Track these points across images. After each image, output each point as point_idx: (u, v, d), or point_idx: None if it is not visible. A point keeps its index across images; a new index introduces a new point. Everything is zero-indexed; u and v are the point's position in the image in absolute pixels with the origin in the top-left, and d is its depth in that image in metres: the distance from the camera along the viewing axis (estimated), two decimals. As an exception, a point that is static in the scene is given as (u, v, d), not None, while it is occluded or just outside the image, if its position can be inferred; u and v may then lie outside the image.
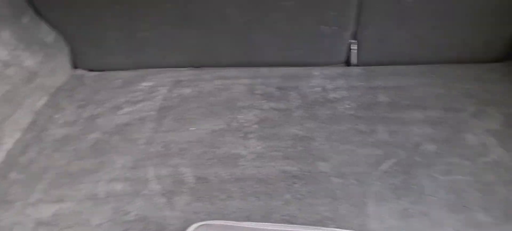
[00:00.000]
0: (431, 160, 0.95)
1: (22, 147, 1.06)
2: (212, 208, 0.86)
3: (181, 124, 1.11)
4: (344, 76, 1.27)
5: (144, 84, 1.28)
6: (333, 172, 0.94)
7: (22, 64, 1.13)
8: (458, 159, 0.95)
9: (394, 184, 0.90)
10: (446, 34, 1.22)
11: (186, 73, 1.32)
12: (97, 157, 1.02)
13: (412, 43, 1.25)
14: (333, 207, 0.85)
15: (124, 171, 0.98)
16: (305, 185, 0.91)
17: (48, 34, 1.25)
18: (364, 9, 1.20)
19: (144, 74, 1.32)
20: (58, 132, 1.11)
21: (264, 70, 1.31)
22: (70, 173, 0.99)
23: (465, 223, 0.80)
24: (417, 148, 0.99)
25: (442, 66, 1.27)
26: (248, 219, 0.82)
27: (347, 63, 1.35)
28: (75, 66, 1.36)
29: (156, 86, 1.27)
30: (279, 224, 0.75)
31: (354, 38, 1.29)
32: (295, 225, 0.75)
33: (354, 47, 1.31)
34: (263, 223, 0.75)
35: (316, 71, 1.30)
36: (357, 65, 1.33)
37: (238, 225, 0.73)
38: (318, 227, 0.74)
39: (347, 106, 1.14)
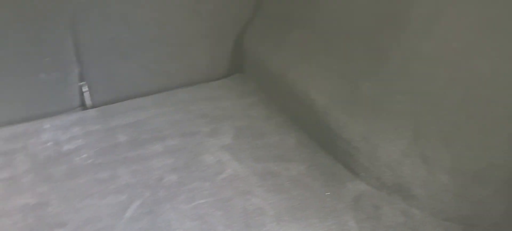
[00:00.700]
0: (175, 191, 0.95)
1: None
2: None
3: None
4: (79, 123, 1.17)
5: None
6: (70, 236, 0.84)
7: None
8: (199, 182, 0.97)
9: (141, 228, 0.86)
10: (171, 60, 1.26)
11: None
12: None
13: (142, 74, 1.25)
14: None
15: None
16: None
17: None
18: (83, 49, 1.13)
19: None
20: None
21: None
22: None
23: None
24: (160, 182, 0.97)
25: (177, 92, 1.29)
26: None
27: (83, 106, 1.25)
28: None
29: None
30: None
31: (83, 80, 1.21)
32: None
33: (85, 89, 1.22)
34: None
35: (47, 123, 1.17)
36: (93, 107, 1.25)
37: None
38: None
39: (84, 156, 1.05)
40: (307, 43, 1.11)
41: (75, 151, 1.07)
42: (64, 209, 0.90)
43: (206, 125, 1.15)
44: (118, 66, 1.20)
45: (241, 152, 1.06)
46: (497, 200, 0.78)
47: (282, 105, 1.19)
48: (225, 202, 0.92)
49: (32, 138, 1.12)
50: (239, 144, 1.08)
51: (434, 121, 0.83)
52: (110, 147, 1.08)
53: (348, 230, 0.86)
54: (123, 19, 1.13)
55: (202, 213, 0.89)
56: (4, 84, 1.11)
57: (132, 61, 1.21)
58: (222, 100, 1.26)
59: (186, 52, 1.27)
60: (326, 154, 1.04)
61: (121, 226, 0.86)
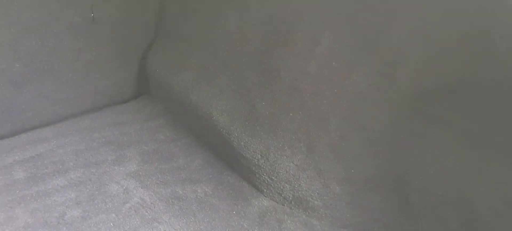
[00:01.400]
0: (78, 227, 0.92)
1: None
2: None
3: None
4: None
5: None
6: None
7: None
8: (105, 215, 0.95)
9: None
10: (71, 87, 1.21)
11: None
12: None
13: (39, 104, 1.19)
14: None
15: None
16: None
17: None
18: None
19: None
20: None
21: None
22: None
23: None
24: (62, 218, 0.94)
25: (80, 119, 1.25)
26: None
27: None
28: None
29: None
30: None
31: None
32: None
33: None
34: None
35: None
36: (-12, 143, 1.17)
37: None
38: None
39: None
40: (207, 64, 1.13)
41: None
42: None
43: (111, 152, 1.13)
44: (12, 98, 1.13)
45: (148, 178, 1.05)
46: (386, 205, 0.85)
47: (188, 126, 1.20)
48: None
49: None
50: (146, 170, 1.08)
51: (324, 135, 0.88)
52: (6, 186, 1.02)
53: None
54: (11, 49, 1.07)
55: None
56: None
57: (28, 91, 1.15)
58: (128, 125, 1.24)
59: (87, 77, 1.23)
60: (231, 173, 1.06)
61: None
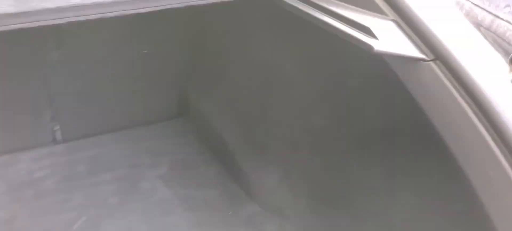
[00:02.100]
0: (115, 210, 1.24)
1: None
2: None
3: None
4: (50, 156, 1.47)
5: None
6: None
7: None
8: (136, 203, 1.27)
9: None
10: (127, 102, 1.55)
11: None
12: None
13: (105, 114, 1.54)
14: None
15: None
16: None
17: None
18: (54, 97, 1.44)
19: None
20: None
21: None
22: None
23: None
24: (105, 202, 1.27)
25: (132, 130, 1.59)
26: None
27: (54, 142, 1.55)
28: None
29: None
30: None
31: (54, 120, 1.51)
32: None
33: (56, 127, 1.52)
34: None
35: (24, 156, 1.47)
36: (63, 142, 1.54)
37: None
38: None
39: (51, 183, 1.35)
40: (230, 96, 1.43)
41: (43, 178, 1.37)
42: (28, 223, 1.20)
43: (148, 158, 1.45)
44: (81, 111, 1.50)
45: (171, 180, 1.36)
46: (340, 217, 1.07)
47: (211, 143, 1.49)
48: (151, 219, 1.21)
49: (10, 167, 1.41)
50: (171, 174, 1.38)
51: (296, 160, 1.13)
52: (71, 176, 1.38)
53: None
54: (83, 75, 1.44)
55: (131, 227, 1.19)
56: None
57: (93, 107, 1.51)
58: (166, 138, 1.56)
59: (139, 98, 1.57)
60: (235, 182, 1.33)
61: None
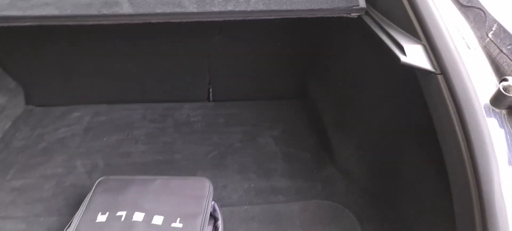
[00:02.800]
0: (236, 151, 1.77)
1: (-4, 152, 1.75)
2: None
3: (98, 137, 1.85)
4: (202, 108, 2.08)
5: (74, 114, 2.01)
6: (183, 158, 1.73)
7: (-2, 102, 1.83)
8: (253, 150, 1.78)
9: (213, 163, 1.71)
10: (260, 84, 2.08)
11: (102, 108, 2.06)
12: (45, 155, 1.73)
13: (243, 86, 2.09)
14: (180, 177, 1.63)
15: (62, 162, 1.70)
16: (166, 164, 1.69)
17: (11, 83, 1.95)
18: (212, 68, 2.03)
19: (74, 109, 2.05)
20: (18, 143, 1.81)
21: (153, 105, 2.09)
22: (28, 166, 1.69)
23: (245, 178, 1.61)
24: (231, 146, 1.81)
25: (261, 101, 2.11)
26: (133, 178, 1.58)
27: (208, 100, 2.16)
28: (27, 103, 2.05)
29: (82, 115, 2.00)
30: (154, 177, 1.48)
31: (210, 84, 2.12)
32: (163, 176, 1.49)
33: (210, 90, 2.13)
34: (145, 176, 1.48)
35: (186, 105, 2.10)
36: (212, 101, 2.15)
37: (127, 178, 1.47)
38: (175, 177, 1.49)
39: (200, 125, 1.95)
40: (331, 87, 1.84)
41: (196, 122, 1.97)
42: (182, 147, 1.80)
43: (268, 122, 1.95)
44: (231, 81, 2.07)
45: (279, 140, 1.83)
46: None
47: (314, 120, 1.93)
48: (259, 162, 1.71)
49: (176, 111, 2.06)
50: (281, 136, 1.86)
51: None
52: (214, 124, 1.95)
53: (315, 187, 1.57)
54: (232, 56, 2.00)
55: (245, 165, 1.70)
56: (168, 80, 2.06)
57: (239, 79, 2.06)
58: (283, 111, 2.04)
59: (270, 79, 2.08)
60: (323, 150, 1.75)
61: (205, 159, 1.72)
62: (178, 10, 1.30)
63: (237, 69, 2.06)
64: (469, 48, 1.09)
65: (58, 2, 1.26)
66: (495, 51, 1.06)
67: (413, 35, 1.14)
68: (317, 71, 2.00)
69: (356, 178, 1.55)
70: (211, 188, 1.41)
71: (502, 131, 0.96)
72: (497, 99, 0.97)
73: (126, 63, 1.98)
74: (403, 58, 1.08)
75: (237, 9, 1.33)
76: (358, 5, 1.35)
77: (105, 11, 1.26)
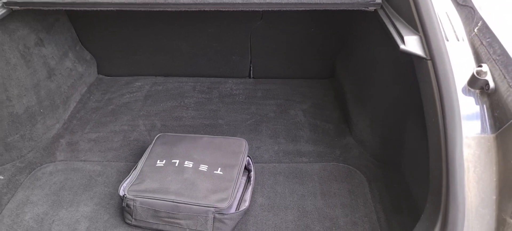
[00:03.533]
0: (270, 120, 2.09)
1: (76, 111, 2.15)
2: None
3: (156, 103, 2.23)
4: (244, 84, 2.41)
5: (136, 83, 2.39)
6: (225, 123, 2.07)
7: (77, 70, 2.23)
8: (282, 119, 2.09)
9: (250, 128, 2.03)
10: (292, 64, 2.38)
11: (159, 79, 2.44)
12: (114, 115, 2.12)
13: (280, 66, 2.40)
14: (223, 136, 1.97)
15: (127, 121, 2.08)
16: (211, 127, 2.03)
17: (87, 55, 2.36)
18: (253, 49, 2.34)
19: (136, 79, 2.43)
20: (92, 104, 2.21)
21: (202, 79, 2.44)
22: (101, 123, 2.08)
23: (275, 142, 1.93)
24: (266, 115, 2.13)
25: (294, 80, 2.42)
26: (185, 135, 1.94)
27: (249, 76, 2.49)
28: (98, 73, 2.46)
29: (143, 85, 2.38)
30: (201, 135, 1.83)
31: (251, 63, 2.44)
32: (209, 135, 1.84)
33: (251, 68, 2.45)
34: (194, 134, 1.84)
35: (229, 80, 2.44)
36: (252, 77, 2.47)
37: (180, 135, 1.83)
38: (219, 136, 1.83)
39: (240, 98, 2.28)
40: (355, 70, 2.11)
41: (237, 95, 2.30)
42: (225, 114, 2.14)
43: (299, 97, 2.26)
44: (269, 61, 2.38)
45: (308, 113, 2.13)
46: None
47: (340, 97, 2.21)
48: (289, 129, 2.02)
49: (221, 85, 2.39)
50: (309, 110, 2.16)
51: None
52: (252, 97, 2.28)
53: (334, 152, 1.87)
54: (271, 39, 2.30)
55: (276, 131, 2.01)
56: (215, 58, 2.40)
57: (276, 60, 2.37)
58: (314, 89, 2.33)
59: (304, 61, 2.37)
60: (344, 123, 2.04)
61: (243, 125, 2.05)
62: (227, 0, 1.62)
63: (275, 51, 2.36)
64: (458, 40, 1.34)
65: (134, -8, 1.61)
66: (477, 43, 1.31)
67: (413, 28, 1.40)
68: (344, 55, 2.28)
69: (368, 146, 1.83)
70: (247, 146, 1.73)
71: (478, 106, 1.23)
72: (472, 82, 1.23)
73: (180, 43, 2.33)
74: (402, 46, 1.35)
75: (274, 1, 1.63)
76: (375, 0, 1.62)
77: (169, 0, 1.60)
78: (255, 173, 1.72)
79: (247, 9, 1.65)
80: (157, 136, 1.80)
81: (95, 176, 1.74)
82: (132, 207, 1.50)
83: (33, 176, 1.73)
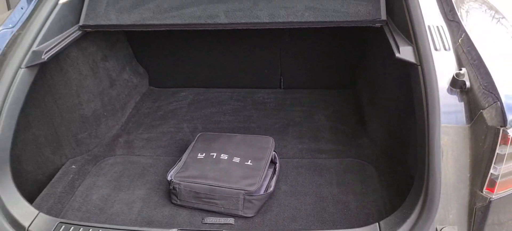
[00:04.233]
0: (296, 124, 2.39)
1: (131, 115, 2.55)
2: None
3: (198, 110, 2.59)
4: (275, 93, 2.74)
5: (182, 93, 2.78)
6: (257, 126, 2.39)
7: (133, 82, 2.65)
8: (307, 123, 2.39)
9: (278, 130, 2.34)
10: (320, 73, 2.69)
11: (201, 90, 2.81)
12: (163, 120, 2.50)
13: (307, 77, 2.72)
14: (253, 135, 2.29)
15: (174, 124, 2.45)
16: (244, 130, 2.37)
17: (140, 69, 2.78)
18: (283, 63, 2.67)
19: (181, 90, 2.82)
20: (145, 110, 2.60)
21: (238, 89, 2.79)
22: (152, 125, 2.46)
23: (299, 142, 2.23)
24: (293, 120, 2.44)
25: (319, 89, 2.72)
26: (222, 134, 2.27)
27: (279, 87, 2.81)
28: (150, 84, 2.87)
29: (187, 95, 2.76)
30: (235, 134, 2.17)
31: (281, 75, 2.76)
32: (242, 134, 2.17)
33: (281, 79, 2.77)
34: (231, 133, 2.17)
35: (262, 90, 2.77)
36: (282, 88, 2.79)
37: (218, 133, 2.17)
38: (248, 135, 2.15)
39: (271, 105, 2.60)
40: (369, 81, 2.39)
41: (269, 102, 2.63)
42: (257, 119, 2.46)
43: (323, 104, 2.55)
44: (297, 73, 2.70)
45: (330, 118, 2.42)
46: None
47: (357, 104, 2.49)
48: (312, 131, 2.32)
49: (255, 94, 2.73)
50: (332, 115, 2.45)
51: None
52: (282, 105, 2.60)
53: (350, 150, 2.14)
54: (299, 54, 2.62)
55: (301, 133, 2.31)
56: (250, 70, 2.75)
57: (303, 72, 2.69)
58: (335, 97, 2.63)
59: (326, 72, 2.68)
60: (359, 123, 2.31)
61: (273, 128, 2.36)
62: (256, 20, 1.96)
63: (302, 64, 2.69)
64: (445, 49, 1.61)
65: (181, 15, 1.97)
66: (460, 51, 1.58)
67: (409, 40, 1.68)
68: (362, 67, 2.57)
69: (379, 144, 2.10)
70: (273, 143, 2.05)
71: (457, 102, 1.49)
72: (453, 82, 1.50)
73: (219, 58, 2.70)
74: (397, 54, 1.64)
75: (295, 20, 1.96)
76: (380, 18, 1.91)
77: (209, 20, 1.96)
78: (280, 166, 2.03)
79: (273, 27, 1.99)
80: (198, 135, 2.15)
81: (147, 167, 2.10)
82: (177, 190, 1.84)
83: (98, 166, 2.11)
